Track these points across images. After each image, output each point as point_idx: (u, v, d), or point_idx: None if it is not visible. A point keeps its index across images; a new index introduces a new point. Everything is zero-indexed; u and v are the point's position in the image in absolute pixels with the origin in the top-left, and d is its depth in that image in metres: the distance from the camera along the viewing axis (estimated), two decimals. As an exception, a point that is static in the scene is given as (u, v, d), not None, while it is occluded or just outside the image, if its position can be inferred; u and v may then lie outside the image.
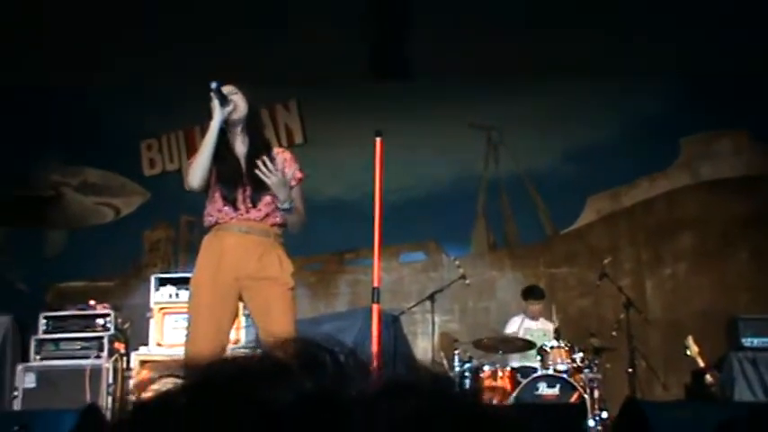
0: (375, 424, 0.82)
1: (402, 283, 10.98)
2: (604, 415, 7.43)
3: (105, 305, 8.47)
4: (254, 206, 4.82)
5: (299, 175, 5.01)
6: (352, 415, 0.82)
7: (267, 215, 4.86)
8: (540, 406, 7.50)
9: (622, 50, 10.47)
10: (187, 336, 4.84)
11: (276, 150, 5.05)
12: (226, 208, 4.82)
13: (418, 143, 11.05)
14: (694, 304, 10.42)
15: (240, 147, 4.91)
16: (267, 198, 4.85)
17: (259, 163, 4.70)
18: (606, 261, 9.02)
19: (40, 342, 8.15)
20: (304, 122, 11.59)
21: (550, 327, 8.73)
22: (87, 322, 8.22)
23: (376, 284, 5.26)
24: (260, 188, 4.83)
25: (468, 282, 9.11)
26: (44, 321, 8.23)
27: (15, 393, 7.90)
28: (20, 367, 8.00)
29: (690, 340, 8.07)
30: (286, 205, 4.82)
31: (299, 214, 5.00)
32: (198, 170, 4.76)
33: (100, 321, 8.24)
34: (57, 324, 8.22)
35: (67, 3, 9.58)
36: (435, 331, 9.18)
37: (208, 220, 4.90)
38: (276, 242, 4.90)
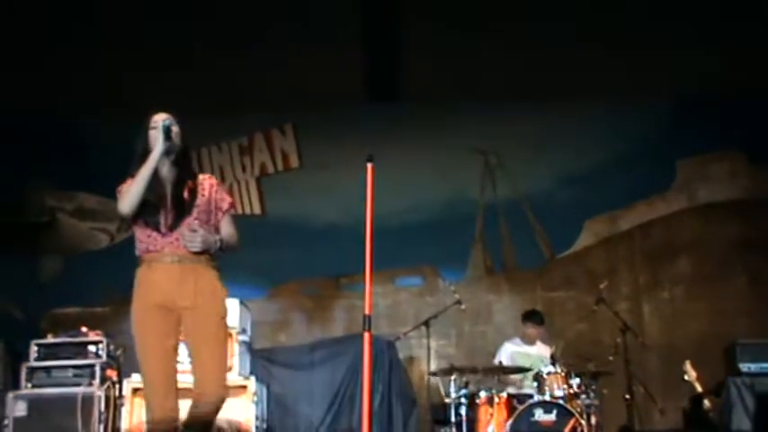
0: None
1: (398, 307, 10.91)
2: (601, 441, 7.38)
3: (98, 332, 8.39)
4: (173, 230, 4.80)
5: (228, 199, 5.06)
6: None
7: None
8: (537, 433, 7.44)
9: (620, 73, 10.42)
10: (142, 373, 4.77)
11: (203, 177, 5.05)
12: (154, 233, 4.81)
13: (416, 167, 11.01)
14: (692, 329, 10.32)
15: (168, 174, 4.88)
16: (189, 223, 4.83)
17: (184, 234, 4.74)
18: (602, 286, 8.93)
19: (32, 370, 8.08)
20: (300, 147, 11.56)
21: (547, 352, 8.66)
22: (79, 350, 8.15)
23: (367, 312, 5.19)
24: (181, 214, 4.83)
25: (463, 307, 9.00)
26: (36, 349, 8.16)
27: (6, 422, 7.82)
28: (11, 395, 7.92)
29: (688, 365, 8.00)
30: (214, 249, 4.87)
31: (234, 241, 5.01)
32: (133, 197, 4.72)
33: (92, 348, 8.17)
34: (48, 351, 8.15)
35: (67, 28, 9.56)
36: (431, 356, 9.08)
37: (140, 247, 4.88)
38: (208, 266, 4.86)
